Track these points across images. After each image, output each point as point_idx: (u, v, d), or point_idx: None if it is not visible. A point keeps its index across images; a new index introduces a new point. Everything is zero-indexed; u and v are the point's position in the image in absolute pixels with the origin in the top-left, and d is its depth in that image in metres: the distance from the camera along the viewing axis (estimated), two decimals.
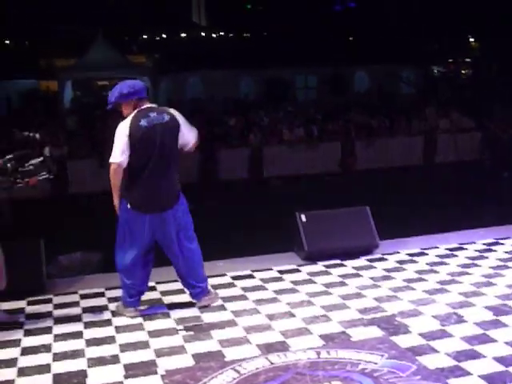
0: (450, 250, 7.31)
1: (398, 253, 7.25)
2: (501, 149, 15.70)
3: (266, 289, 6.27)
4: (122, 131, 5.40)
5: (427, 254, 7.17)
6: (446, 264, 6.81)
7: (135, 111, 5.49)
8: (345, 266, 6.88)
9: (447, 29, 32.35)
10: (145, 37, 47.83)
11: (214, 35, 50.32)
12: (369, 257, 7.11)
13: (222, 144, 16.60)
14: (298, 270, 6.79)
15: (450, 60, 39.08)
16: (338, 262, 6.98)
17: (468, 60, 40.56)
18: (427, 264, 6.82)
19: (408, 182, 15.24)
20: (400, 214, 11.09)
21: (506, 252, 7.18)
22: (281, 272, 6.75)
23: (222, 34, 49.88)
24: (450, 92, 25.34)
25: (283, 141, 17.12)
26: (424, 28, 33.74)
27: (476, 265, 6.75)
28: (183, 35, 49.78)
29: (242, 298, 6.06)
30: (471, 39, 39.79)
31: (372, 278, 6.45)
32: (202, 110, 21.32)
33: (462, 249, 7.33)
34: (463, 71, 40.57)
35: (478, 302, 5.69)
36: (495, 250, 7.25)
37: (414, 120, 18.88)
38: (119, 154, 5.37)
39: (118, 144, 5.39)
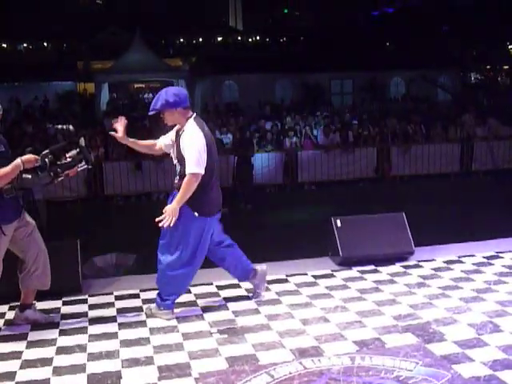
0: (487, 258, 7.23)
1: (434, 260, 7.20)
2: None
3: (301, 293, 6.26)
4: (200, 141, 5.48)
5: (463, 262, 7.10)
6: (482, 272, 6.73)
7: (192, 119, 5.60)
8: (380, 272, 6.84)
9: (485, 35, 32.08)
10: (181, 40, 48.20)
11: (250, 39, 50.53)
12: (404, 263, 7.07)
13: (258, 148, 16.61)
14: (332, 275, 6.78)
15: (488, 67, 38.73)
16: (373, 267, 6.95)
17: (506, 67, 40.17)
18: (463, 272, 6.75)
19: (444, 189, 15.14)
20: (436, 220, 11.03)
21: None
22: (315, 277, 6.74)
23: (258, 38, 50.06)
24: (488, 99, 25.11)
25: (318, 146, 17.09)
26: (462, 34, 33.53)
27: None
28: (220, 39, 50.07)
29: (277, 302, 6.05)
30: (510, 46, 39.42)
31: (407, 285, 6.41)
32: (237, 114, 21.39)
33: (498, 257, 7.24)
34: (501, 78, 40.18)
35: None
36: None
37: (450, 127, 18.72)
38: (202, 164, 5.45)
39: (199, 154, 5.45)
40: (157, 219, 5.42)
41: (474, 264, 7.03)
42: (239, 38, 51.21)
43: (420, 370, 4.58)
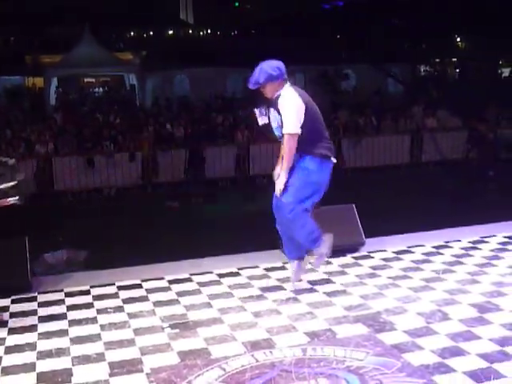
0: (436, 247, 7.34)
1: (384, 251, 7.27)
2: (486, 148, 15.83)
3: (252, 286, 6.27)
4: (294, 102, 5.72)
5: (413, 252, 7.20)
6: (431, 262, 6.83)
7: (286, 85, 5.80)
8: (331, 263, 6.88)
9: (435, 28, 32.45)
10: (132, 34, 47.78)
11: (201, 33, 50.32)
12: (355, 254, 7.13)
13: (209, 142, 16.57)
14: (284, 268, 6.79)
15: (438, 59, 39.19)
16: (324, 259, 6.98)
17: (455, 59, 40.74)
18: (412, 262, 6.84)
19: (394, 181, 15.31)
20: (386, 212, 11.15)
21: (491, 250, 7.21)
22: (267, 269, 6.76)
23: (209, 31, 49.87)
24: (437, 91, 25.43)
25: (270, 139, 17.10)
26: (412, 27, 33.86)
27: (461, 262, 6.78)
28: (171, 32, 49.74)
29: (228, 295, 6.06)
30: (459, 38, 39.96)
31: (358, 276, 6.46)
32: (189, 108, 21.32)
33: (447, 247, 7.36)
34: (450, 70, 40.74)
35: (463, 299, 5.71)
36: (480, 248, 7.28)
37: (400, 119, 18.93)
38: (298, 125, 5.71)
39: (295, 115, 5.70)
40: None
41: (423, 254, 7.13)
42: (190, 31, 50.96)
43: (371, 360, 4.63)
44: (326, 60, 29.67)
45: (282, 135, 5.83)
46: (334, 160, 6.00)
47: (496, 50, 34.09)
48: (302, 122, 5.72)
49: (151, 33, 48.15)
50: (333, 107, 20.49)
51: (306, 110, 5.74)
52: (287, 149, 5.78)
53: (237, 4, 52.07)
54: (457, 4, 31.62)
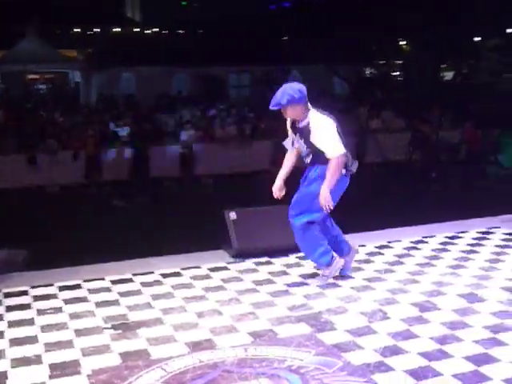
0: (378, 247, 7.43)
1: None
2: (429, 150, 16.07)
3: (195, 286, 6.25)
4: (330, 125, 5.92)
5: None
6: (372, 262, 6.92)
7: (312, 110, 5.98)
8: (274, 263, 6.91)
9: (380, 30, 32.83)
10: (78, 31, 47.09)
11: (148, 31, 49.88)
12: (298, 254, 7.13)
13: (154, 141, 16.47)
14: (226, 268, 6.79)
15: (383, 61, 39.65)
16: (267, 259, 7.01)
17: (400, 61, 41.28)
18: (355, 261, 6.88)
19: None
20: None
21: (432, 250, 7.34)
22: (210, 270, 6.74)
23: (155, 30, 49.47)
24: (382, 93, 25.75)
25: (215, 139, 17.09)
26: (357, 29, 34.20)
27: (402, 262, 6.87)
28: (117, 30, 49.20)
29: (170, 295, 6.02)
30: (403, 41, 40.49)
31: (300, 276, 6.50)
32: (134, 107, 21.16)
33: (388, 247, 7.46)
34: (395, 72, 41.27)
35: (403, 298, 5.80)
36: (421, 248, 7.41)
37: (346, 120, 19.08)
38: (341, 145, 5.92)
39: (335, 137, 5.90)
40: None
41: (365, 254, 7.21)
42: (137, 29, 50.51)
43: (312, 359, 4.65)
44: (273, 60, 29.76)
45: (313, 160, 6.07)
46: (351, 170, 6.17)
47: (439, 53, 34.70)
48: (341, 142, 5.92)
49: (97, 30, 47.57)
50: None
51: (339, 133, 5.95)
52: (334, 169, 5.92)
53: (184, 3, 51.81)
54: (402, 7, 32.08)
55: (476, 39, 38.62)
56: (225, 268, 6.81)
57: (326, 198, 5.96)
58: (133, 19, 53.76)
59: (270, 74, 28.70)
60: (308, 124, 5.94)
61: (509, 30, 36.44)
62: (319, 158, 6.00)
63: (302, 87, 6.00)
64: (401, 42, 40.44)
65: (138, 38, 45.58)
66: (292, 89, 5.93)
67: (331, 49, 32.83)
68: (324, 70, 29.84)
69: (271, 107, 6.02)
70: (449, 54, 35.86)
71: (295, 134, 6.14)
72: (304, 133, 5.99)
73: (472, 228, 8.24)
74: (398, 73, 41.58)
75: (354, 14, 33.96)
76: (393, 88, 31.03)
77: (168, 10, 46.73)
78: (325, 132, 5.90)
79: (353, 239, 7.70)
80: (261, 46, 31.48)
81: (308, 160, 6.14)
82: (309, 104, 6.00)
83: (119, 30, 49.27)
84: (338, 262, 6.26)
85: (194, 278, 6.50)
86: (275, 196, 6.43)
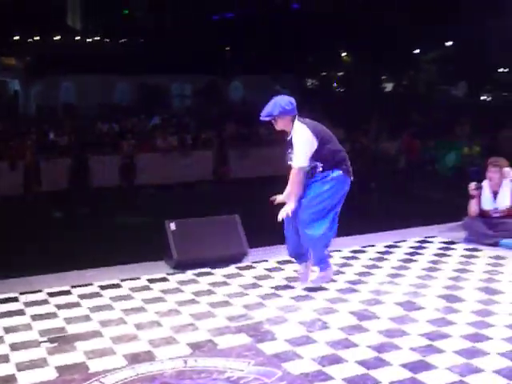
0: None
1: (267, 261, 7.36)
2: (368, 160, 16.27)
3: (134, 298, 6.19)
4: (308, 140, 6.13)
5: (295, 262, 7.29)
6: (312, 271, 6.95)
7: (297, 122, 6.18)
8: (214, 274, 6.90)
9: (322, 42, 33.21)
10: (16, 38, 46.32)
11: (89, 40, 49.35)
12: (238, 265, 7.17)
13: (94, 151, 16.29)
14: (166, 279, 6.75)
15: (324, 73, 40.09)
16: (208, 270, 6.99)
17: (341, 73, 41.79)
18: (295, 271, 6.94)
19: (280, 192, 15.45)
20: (271, 222, 11.25)
21: (371, 259, 7.44)
22: (149, 281, 6.69)
23: (97, 38, 48.99)
24: (323, 104, 25.97)
25: (156, 148, 17.00)
26: (299, 40, 34.53)
27: (341, 272, 6.94)
28: (57, 38, 48.56)
29: (109, 307, 5.95)
30: (344, 53, 41.01)
31: (241, 286, 6.50)
32: (75, 116, 20.92)
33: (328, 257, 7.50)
34: (336, 84, 41.75)
35: (342, 308, 5.85)
36: (359, 258, 7.50)
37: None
38: (305, 159, 6.14)
39: (304, 151, 6.13)
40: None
41: None
42: (78, 37, 49.94)
43: (251, 370, 4.66)
44: (215, 71, 29.82)
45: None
46: (351, 178, 6.39)
47: (379, 65, 35.27)
48: (312, 151, 6.14)
49: (37, 38, 46.90)
50: (220, 118, 20.59)
51: (321, 139, 6.16)
52: (296, 181, 6.25)
53: (126, 12, 51.46)
54: (342, 19, 32.55)
55: (415, 52, 39.36)
56: (165, 279, 6.76)
57: (286, 210, 6.35)
58: (74, 27, 53.17)
59: (213, 84, 28.74)
60: (293, 134, 6.20)
61: (447, 43, 37.26)
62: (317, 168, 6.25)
63: (292, 99, 6.24)
64: (342, 54, 40.96)
65: (79, 47, 45.04)
66: (283, 100, 6.18)
67: (273, 60, 33.09)
68: (266, 80, 29.99)
69: (262, 117, 6.27)
70: (389, 66, 36.48)
71: (289, 148, 6.34)
72: (292, 145, 6.23)
73: (410, 237, 8.38)
74: (338, 84, 42.07)
75: (296, 26, 34.31)
76: (333, 99, 31.36)
77: (109, 18, 46.35)
78: (298, 143, 6.13)
79: None
80: (203, 55, 31.49)
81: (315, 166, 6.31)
82: (297, 116, 6.22)
83: (59, 38, 48.66)
84: (330, 270, 6.49)
85: (133, 289, 6.44)
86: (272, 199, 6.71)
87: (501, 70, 42.45)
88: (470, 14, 29.02)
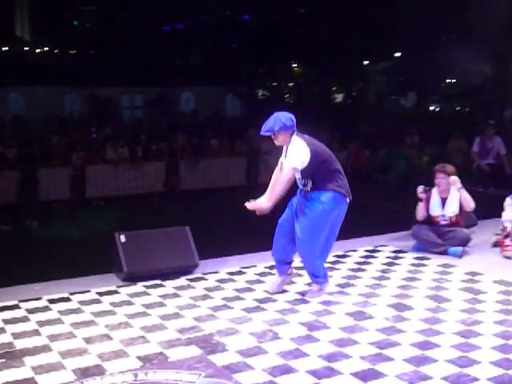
0: (268, 268, 7.50)
1: (218, 272, 7.35)
2: None
3: (84, 311, 6.12)
4: (302, 149, 6.27)
5: (246, 273, 7.33)
6: (263, 282, 6.98)
7: (294, 136, 6.34)
8: (164, 286, 6.87)
9: (271, 53, 33.38)
10: None
11: (38, 50, 48.80)
12: (189, 276, 7.15)
13: (44, 163, 16.08)
14: (116, 292, 6.69)
15: (274, 83, 40.26)
16: (158, 282, 6.96)
17: (291, 84, 42.05)
18: (246, 282, 6.96)
19: (231, 203, 15.49)
20: (222, 233, 11.27)
21: None
22: (99, 294, 6.62)
23: (46, 49, 48.48)
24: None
25: (107, 160, 16.85)
26: (249, 51, 34.68)
27: (292, 282, 6.95)
28: (5, 49, 47.91)
29: (58, 321, 5.88)
30: (294, 64, 41.29)
31: (192, 298, 6.48)
32: (23, 128, 20.64)
33: None
34: (287, 95, 41.98)
35: (293, 318, 5.88)
36: None
37: (237, 141, 19.26)
38: (298, 162, 6.27)
39: (298, 155, 6.27)
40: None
41: (255, 274, 7.29)
42: (26, 48, 49.36)
43: (202, 381, 4.65)
44: (165, 82, 29.73)
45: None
46: (348, 199, 6.48)
47: (329, 76, 35.60)
48: (304, 163, 6.26)
49: None
50: (171, 129, 20.52)
51: (315, 154, 6.29)
52: (283, 180, 6.37)
53: (75, 23, 51.07)
54: (292, 30, 32.80)
55: (365, 62, 39.84)
56: (115, 292, 6.71)
57: (260, 208, 6.56)
58: (22, 38, 52.57)
59: (163, 96, 28.65)
60: (288, 147, 6.37)
61: (396, 54, 37.80)
62: (313, 183, 6.36)
63: (292, 116, 6.41)
64: (293, 65, 41.23)
65: (28, 57, 44.51)
66: (284, 117, 6.33)
67: (224, 70, 33.12)
68: (216, 91, 30.03)
69: (263, 133, 6.40)
70: (339, 77, 36.83)
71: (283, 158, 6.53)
72: (285, 155, 6.44)
73: (360, 247, 8.47)
74: (288, 95, 42.30)
75: (247, 37, 34.47)
76: (283, 110, 31.49)
77: (59, 29, 45.90)
78: (293, 150, 6.30)
79: (244, 260, 7.80)
80: (154, 67, 31.38)
81: (301, 181, 6.46)
82: (296, 131, 6.38)
83: (8, 48, 48.01)
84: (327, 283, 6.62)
85: (83, 302, 6.37)
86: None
87: (448, 80, 43.27)
88: (418, 26, 29.54)
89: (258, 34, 33.49)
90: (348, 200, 6.48)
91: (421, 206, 8.37)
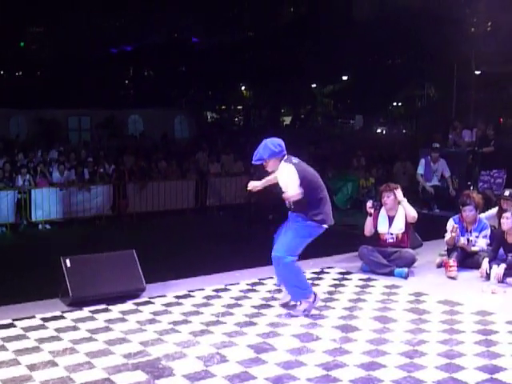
0: (216, 291, 7.49)
1: (165, 296, 7.30)
2: (266, 193, 16.40)
3: (28, 338, 6.00)
4: (291, 173, 6.50)
5: (193, 296, 7.29)
6: (210, 305, 6.96)
7: (282, 162, 6.58)
8: (111, 310, 6.78)
9: (220, 76, 33.54)
10: None
11: None
12: (135, 301, 7.09)
13: None
14: (62, 317, 6.58)
15: (223, 107, 40.45)
16: (105, 307, 6.87)
17: (240, 107, 42.30)
18: (193, 305, 6.92)
19: (180, 225, 15.47)
20: (169, 256, 11.21)
21: (268, 291, 7.51)
22: (44, 319, 6.50)
23: None
24: (222, 137, 26.18)
25: (53, 183, 16.64)
26: (198, 74, 34.78)
27: (239, 305, 6.97)
28: None
29: (2, 348, 5.75)
30: (243, 87, 41.54)
31: (138, 322, 6.41)
32: None
33: (226, 290, 7.54)
34: (236, 118, 42.21)
35: (241, 341, 5.87)
36: (258, 290, 7.55)
37: (186, 164, 19.24)
38: (296, 186, 6.48)
39: (291, 180, 6.49)
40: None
41: (203, 297, 7.25)
42: None
43: None
44: (113, 104, 29.57)
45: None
46: (326, 226, 6.71)
47: (278, 99, 35.90)
48: (298, 183, 6.48)
49: None
50: (119, 152, 20.39)
51: (303, 180, 6.51)
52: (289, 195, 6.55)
53: (22, 44, 50.57)
54: (241, 53, 33.04)
55: (313, 85, 40.30)
56: (60, 317, 6.59)
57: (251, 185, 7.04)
58: None
59: (111, 118, 28.47)
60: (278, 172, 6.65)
61: (344, 78, 38.35)
62: (296, 205, 6.61)
63: (281, 142, 6.62)
64: (242, 88, 41.48)
65: None
66: (273, 144, 6.55)
67: (173, 93, 33.14)
68: (165, 113, 29.97)
69: (254, 162, 6.65)
70: (288, 100, 37.16)
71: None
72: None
73: (307, 268, 8.47)
74: (238, 118, 42.54)
75: (196, 60, 34.60)
76: (233, 132, 31.63)
77: (6, 50, 45.33)
78: (282, 177, 6.58)
79: (192, 283, 7.78)
80: (102, 89, 31.24)
81: (288, 205, 6.73)
82: (285, 156, 6.60)
83: None
84: (310, 302, 6.70)
85: (27, 329, 6.24)
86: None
87: (395, 103, 44.03)
88: (366, 51, 30.02)
89: (206, 56, 33.64)
90: (326, 226, 6.70)
91: (369, 221, 8.50)
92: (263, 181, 7.09)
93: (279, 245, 6.69)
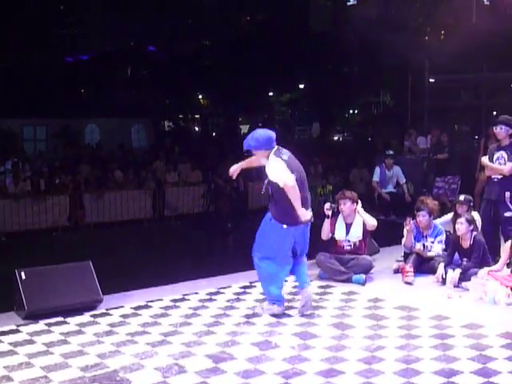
0: (174, 301, 7.44)
1: (123, 307, 7.22)
2: (225, 201, 16.44)
3: None
4: (277, 164, 6.52)
5: (151, 307, 7.23)
6: (169, 315, 6.91)
7: (271, 155, 6.58)
8: (68, 323, 6.69)
9: (177, 85, 33.44)
10: None
11: None
12: (92, 312, 7.00)
13: None
14: (17, 331, 6.46)
15: (181, 115, 40.26)
16: (61, 319, 6.77)
17: (197, 116, 42.18)
18: (151, 316, 6.87)
19: (137, 236, 15.39)
20: (127, 267, 11.13)
21: (227, 300, 7.48)
22: None
23: None
24: (179, 146, 26.09)
25: (8, 194, 16.41)
26: (155, 83, 34.64)
27: (198, 314, 6.93)
28: None
29: None
30: (200, 96, 41.45)
31: (95, 334, 6.33)
32: None
33: (185, 300, 7.50)
34: (194, 127, 42.09)
35: (199, 351, 5.83)
36: (216, 300, 7.52)
37: (143, 173, 19.14)
38: (289, 175, 6.44)
39: (281, 170, 6.47)
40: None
41: (161, 308, 7.19)
42: None
43: None
44: (70, 113, 29.27)
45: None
46: (295, 227, 6.66)
47: (235, 108, 35.92)
48: (290, 173, 6.46)
49: None
50: (75, 162, 20.20)
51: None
52: (292, 198, 6.45)
53: None
54: (198, 62, 32.99)
55: (271, 94, 40.39)
56: (15, 331, 6.47)
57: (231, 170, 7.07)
58: None
59: (67, 128, 28.21)
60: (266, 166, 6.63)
61: (301, 86, 38.52)
62: (272, 203, 6.69)
63: (272, 134, 6.67)
64: (199, 96, 41.40)
65: None
66: (261, 135, 6.63)
67: (130, 102, 32.94)
68: (122, 123, 29.80)
69: (244, 148, 6.69)
70: (245, 108, 37.19)
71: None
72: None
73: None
74: (196, 127, 42.45)
75: (153, 68, 34.45)
76: (190, 141, 31.55)
77: None
78: (271, 170, 6.55)
79: (149, 294, 7.72)
80: (58, 98, 30.86)
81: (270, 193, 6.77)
82: (274, 149, 6.61)
83: None
84: (277, 308, 6.87)
85: None
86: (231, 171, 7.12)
87: (351, 111, 44.40)
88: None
89: (163, 65, 33.52)
90: (295, 227, 6.66)
91: (326, 224, 8.54)
92: (243, 162, 7.09)
93: (255, 243, 6.82)
